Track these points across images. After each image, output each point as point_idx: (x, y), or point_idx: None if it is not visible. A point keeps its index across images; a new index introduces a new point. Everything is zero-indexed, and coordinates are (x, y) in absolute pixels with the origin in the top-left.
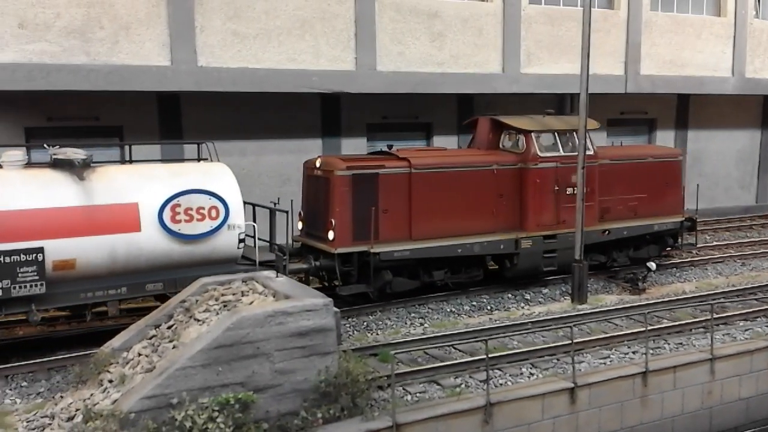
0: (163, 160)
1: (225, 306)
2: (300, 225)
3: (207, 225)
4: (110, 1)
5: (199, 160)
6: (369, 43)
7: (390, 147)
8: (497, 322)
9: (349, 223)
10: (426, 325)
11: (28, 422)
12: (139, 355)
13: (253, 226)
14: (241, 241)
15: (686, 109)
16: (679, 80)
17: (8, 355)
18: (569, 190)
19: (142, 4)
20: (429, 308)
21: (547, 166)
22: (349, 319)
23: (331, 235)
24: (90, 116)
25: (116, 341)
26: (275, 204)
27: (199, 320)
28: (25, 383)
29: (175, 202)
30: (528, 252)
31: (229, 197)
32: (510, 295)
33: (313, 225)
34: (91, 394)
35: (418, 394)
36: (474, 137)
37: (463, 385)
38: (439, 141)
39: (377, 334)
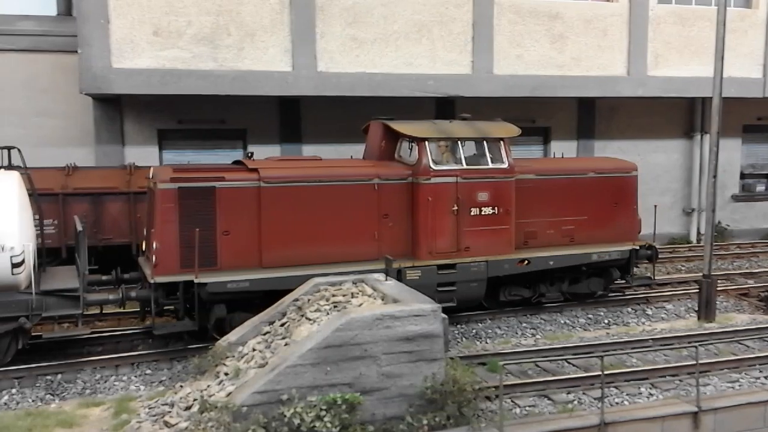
0: None
1: (335, 306)
2: (143, 246)
3: None
4: (237, 9)
5: (10, 167)
6: (486, 47)
7: (250, 155)
8: (615, 337)
9: (175, 246)
10: (538, 336)
11: (150, 408)
12: (254, 350)
13: (29, 246)
14: (16, 265)
15: None
16: None
17: (137, 344)
18: (474, 211)
19: (267, 12)
20: (542, 319)
21: (443, 180)
22: (458, 326)
23: (153, 259)
24: (216, 119)
25: (233, 335)
26: (83, 221)
27: (310, 319)
28: (149, 371)
29: None
30: (415, 286)
31: None
32: (630, 310)
33: (147, 247)
34: (208, 386)
35: (527, 408)
36: (366, 145)
37: (575, 402)
38: (557, 146)
39: (486, 342)
